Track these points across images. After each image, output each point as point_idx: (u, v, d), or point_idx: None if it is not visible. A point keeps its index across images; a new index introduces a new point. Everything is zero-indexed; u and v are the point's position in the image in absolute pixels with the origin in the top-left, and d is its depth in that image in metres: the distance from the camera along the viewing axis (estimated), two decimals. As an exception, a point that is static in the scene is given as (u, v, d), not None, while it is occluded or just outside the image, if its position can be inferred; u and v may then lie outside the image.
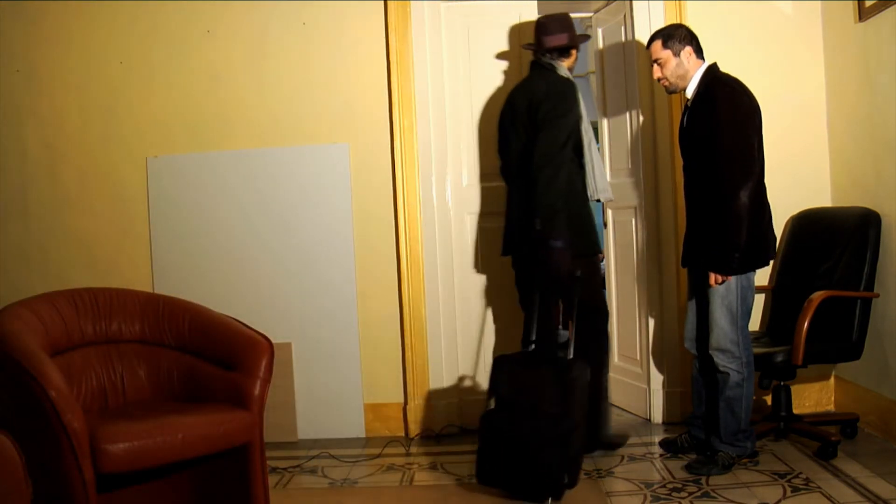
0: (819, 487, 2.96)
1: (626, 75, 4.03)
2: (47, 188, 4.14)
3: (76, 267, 4.10)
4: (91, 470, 2.34)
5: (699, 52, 3.24)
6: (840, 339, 3.37)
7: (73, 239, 4.12)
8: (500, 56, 4.00)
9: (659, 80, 3.29)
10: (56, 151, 4.13)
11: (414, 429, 3.97)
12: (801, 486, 2.99)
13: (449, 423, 3.99)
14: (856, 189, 3.66)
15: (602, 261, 3.89)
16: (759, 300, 3.74)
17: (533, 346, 3.30)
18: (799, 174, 3.84)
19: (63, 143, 4.12)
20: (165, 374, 2.97)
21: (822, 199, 3.85)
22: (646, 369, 3.99)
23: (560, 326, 3.61)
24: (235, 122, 4.04)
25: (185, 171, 4.05)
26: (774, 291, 3.79)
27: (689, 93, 3.25)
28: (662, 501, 2.94)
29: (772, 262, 3.57)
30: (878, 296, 3.39)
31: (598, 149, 3.65)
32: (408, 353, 3.97)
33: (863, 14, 3.48)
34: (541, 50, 3.50)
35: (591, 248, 3.48)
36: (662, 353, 3.92)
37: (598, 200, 3.56)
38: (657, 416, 3.94)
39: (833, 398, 3.92)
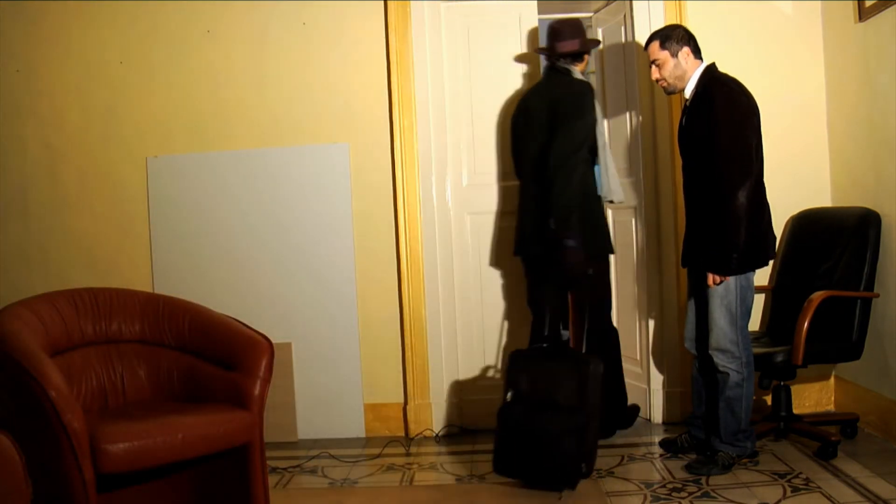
0: (819, 487, 2.96)
1: (626, 75, 4.03)
2: (47, 188, 4.14)
3: (76, 267, 4.10)
4: (91, 470, 2.33)
5: (697, 52, 3.23)
6: (840, 339, 3.37)
7: (73, 239, 4.12)
8: (501, 56, 4.00)
9: (657, 81, 3.29)
10: (56, 151, 4.13)
11: (414, 429, 3.97)
12: (801, 486, 2.99)
13: (449, 423, 3.99)
14: (856, 189, 3.65)
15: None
16: (759, 300, 3.74)
17: (546, 342, 3.39)
18: (799, 174, 3.84)
19: (63, 143, 4.12)
20: (165, 374, 2.97)
21: (822, 199, 3.85)
22: (646, 369, 3.99)
23: (560, 326, 3.64)
24: (235, 122, 4.04)
25: (185, 171, 4.05)
26: (774, 291, 3.79)
27: (688, 93, 3.25)
28: (662, 501, 2.94)
29: (772, 262, 3.57)
30: (878, 296, 3.39)
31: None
32: (408, 353, 3.97)
33: (863, 14, 3.48)
34: (555, 55, 3.58)
35: (603, 249, 3.59)
36: (662, 353, 3.92)
37: (612, 202, 3.66)
38: (657, 416, 3.94)
39: (833, 398, 3.92)
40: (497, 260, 4.01)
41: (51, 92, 4.12)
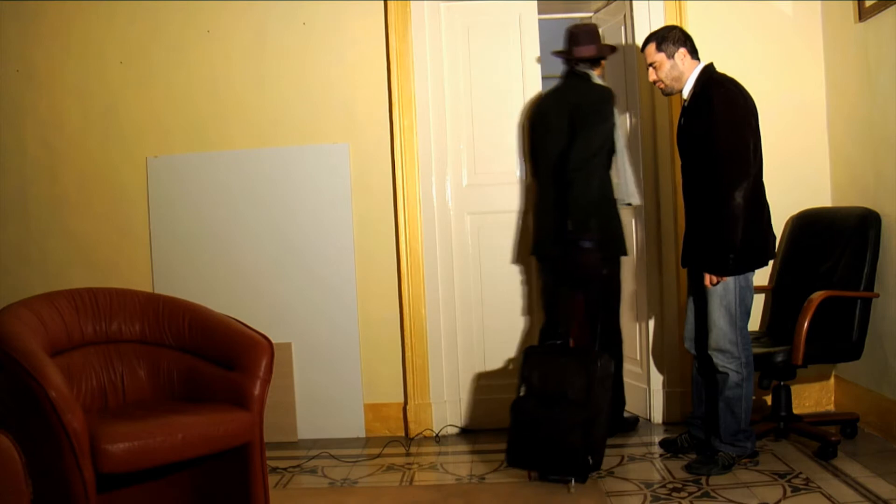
0: (819, 487, 2.96)
1: (626, 75, 4.03)
2: (47, 188, 4.13)
3: (76, 267, 4.10)
4: (91, 470, 2.33)
5: (694, 52, 3.23)
6: (840, 339, 3.37)
7: (73, 239, 4.12)
8: (501, 56, 3.99)
9: (654, 83, 3.30)
10: (56, 151, 4.13)
11: (414, 429, 3.97)
12: (801, 486, 2.99)
13: (449, 423, 3.99)
14: (856, 189, 3.66)
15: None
16: (759, 300, 3.74)
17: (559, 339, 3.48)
18: (799, 174, 3.84)
19: (63, 143, 4.12)
20: (165, 374, 2.97)
21: (822, 199, 3.85)
22: (646, 369, 3.99)
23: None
24: (235, 123, 4.04)
25: (185, 171, 4.05)
26: (774, 291, 3.79)
27: (686, 93, 3.24)
28: (662, 501, 2.94)
29: (772, 262, 3.57)
30: (878, 296, 3.39)
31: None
32: (408, 353, 3.97)
33: (863, 14, 3.48)
34: (572, 59, 3.65)
35: (618, 251, 3.66)
36: (662, 353, 3.92)
37: (629, 204, 3.74)
38: (657, 416, 3.94)
39: (833, 398, 3.92)
40: (497, 259, 4.00)
41: (51, 92, 4.12)
